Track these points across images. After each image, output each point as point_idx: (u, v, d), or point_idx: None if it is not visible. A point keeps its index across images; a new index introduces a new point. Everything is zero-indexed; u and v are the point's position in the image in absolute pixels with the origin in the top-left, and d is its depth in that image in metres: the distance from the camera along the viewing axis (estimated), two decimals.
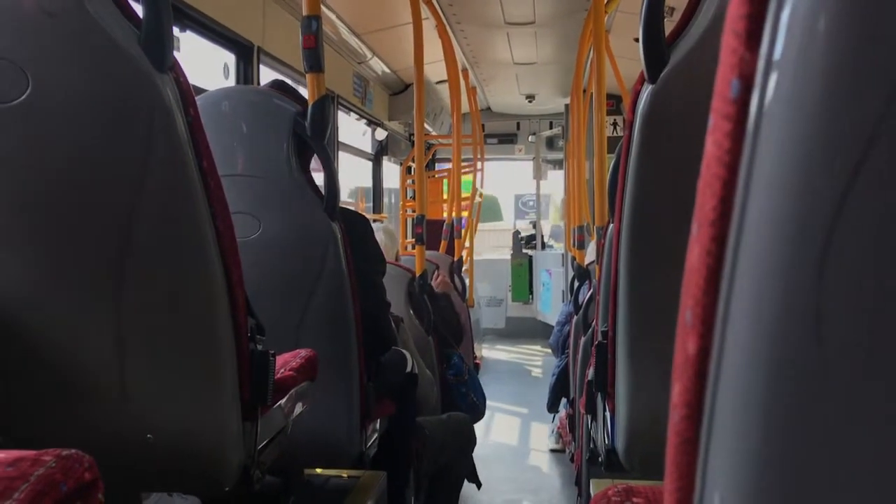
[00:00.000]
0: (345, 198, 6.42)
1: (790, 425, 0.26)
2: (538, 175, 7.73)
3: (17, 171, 1.04)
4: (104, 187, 1.04)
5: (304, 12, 1.69)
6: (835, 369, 0.25)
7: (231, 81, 3.25)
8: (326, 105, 1.64)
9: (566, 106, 6.52)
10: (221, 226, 1.08)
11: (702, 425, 0.29)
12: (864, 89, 0.23)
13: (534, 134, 7.79)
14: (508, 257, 8.00)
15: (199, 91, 1.53)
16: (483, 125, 7.16)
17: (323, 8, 1.92)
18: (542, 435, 4.22)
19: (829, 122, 0.24)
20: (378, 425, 1.95)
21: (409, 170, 6.75)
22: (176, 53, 1.04)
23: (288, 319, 1.63)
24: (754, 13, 0.26)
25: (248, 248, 1.34)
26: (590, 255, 3.30)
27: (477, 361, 5.02)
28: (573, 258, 3.68)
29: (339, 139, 4.95)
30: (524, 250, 7.83)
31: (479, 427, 3.23)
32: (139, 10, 1.00)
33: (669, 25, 1.07)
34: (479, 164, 6.30)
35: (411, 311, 2.84)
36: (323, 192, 1.65)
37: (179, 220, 1.06)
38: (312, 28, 1.68)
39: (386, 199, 6.76)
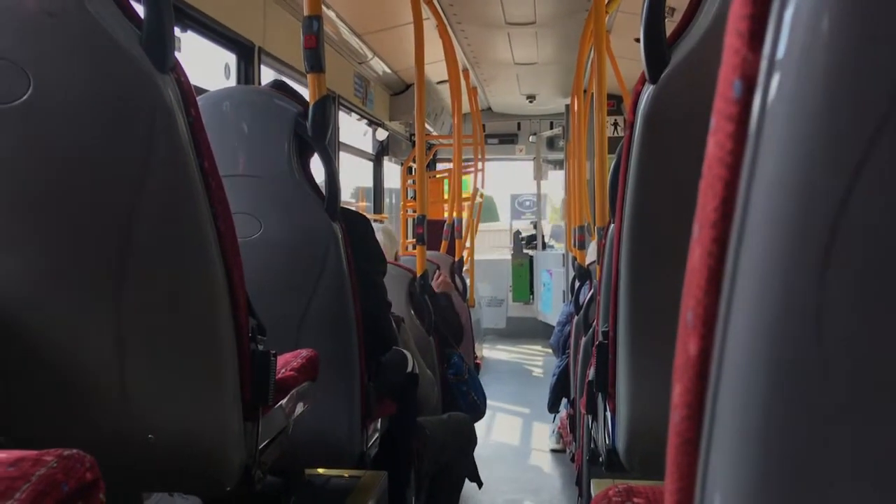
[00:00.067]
0: (346, 198, 6.43)
1: (790, 425, 0.26)
2: (539, 175, 7.73)
3: (18, 172, 1.04)
4: (105, 187, 1.04)
5: (305, 12, 1.69)
6: (835, 369, 0.25)
7: (232, 82, 3.25)
8: (327, 105, 1.64)
9: (567, 106, 6.52)
10: (223, 226, 1.08)
11: (702, 426, 0.29)
12: (867, 89, 0.23)
13: (534, 134, 7.79)
14: (508, 257, 8.00)
15: (201, 91, 1.53)
16: (484, 125, 7.16)
17: (324, 8, 1.92)
18: (543, 435, 4.22)
19: (832, 122, 0.24)
20: (379, 425, 1.95)
21: (409, 170, 6.75)
22: (177, 54, 1.04)
23: (289, 319, 1.63)
24: (757, 13, 0.26)
25: (249, 249, 1.34)
26: (590, 255, 3.30)
27: (478, 361, 5.02)
28: (574, 258, 3.67)
29: (340, 139, 4.95)
30: (525, 250, 7.83)
31: (480, 427, 3.23)
32: (140, 10, 1.01)
33: (670, 26, 1.07)
34: (479, 165, 6.30)
35: (412, 311, 2.84)
36: (324, 192, 1.65)
37: (180, 221, 1.06)
38: (313, 28, 1.68)
39: (387, 200, 6.76)
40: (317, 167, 1.70)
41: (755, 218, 0.26)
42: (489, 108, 7.75)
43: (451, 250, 4.89)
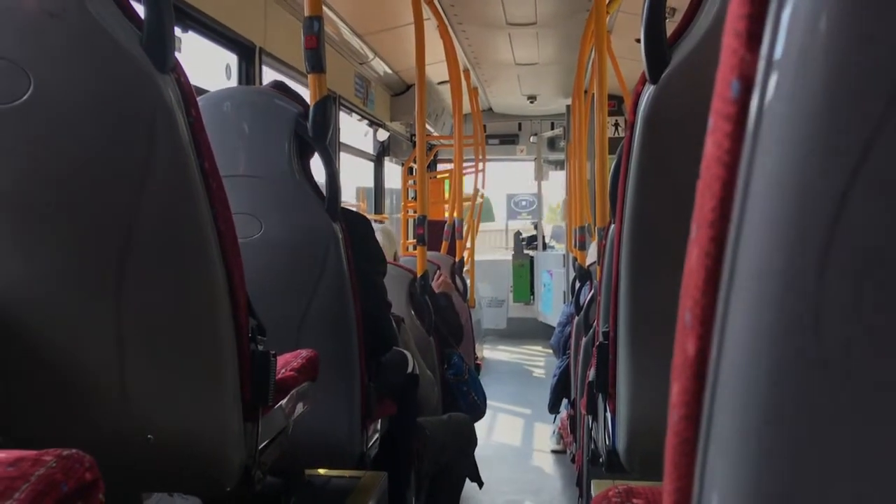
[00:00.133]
0: (346, 198, 6.42)
1: (789, 425, 0.26)
2: (539, 176, 7.73)
3: (18, 171, 1.04)
4: (106, 188, 1.04)
5: (306, 13, 1.69)
6: (834, 369, 0.25)
7: (233, 82, 3.25)
8: (328, 106, 1.64)
9: (567, 107, 6.53)
10: (223, 226, 1.08)
11: (701, 426, 0.29)
12: (865, 90, 0.23)
13: (535, 135, 7.79)
14: (508, 258, 8.00)
15: (201, 92, 1.54)
16: (484, 126, 7.16)
17: (324, 8, 1.92)
18: (544, 436, 4.22)
19: (830, 123, 0.24)
20: (379, 426, 1.95)
21: (410, 170, 6.75)
22: (177, 54, 1.05)
23: (289, 320, 1.63)
24: (755, 13, 0.26)
25: (249, 249, 1.34)
26: (591, 255, 3.30)
27: (478, 362, 5.02)
28: (574, 259, 3.67)
29: (341, 140, 4.96)
30: (525, 251, 7.83)
31: (480, 428, 3.23)
32: (141, 10, 1.01)
33: (671, 26, 1.07)
34: (480, 165, 6.30)
35: (412, 312, 2.84)
36: (324, 192, 1.65)
37: (181, 221, 1.06)
38: (314, 29, 1.69)
39: (387, 200, 6.76)
40: (317, 167, 1.70)
41: (753, 218, 0.26)
42: (490, 109, 7.75)
43: (451, 251, 4.89)
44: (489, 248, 11.20)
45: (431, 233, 3.51)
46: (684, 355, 0.30)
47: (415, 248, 3.12)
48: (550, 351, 4.81)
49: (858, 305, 0.24)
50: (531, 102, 7.17)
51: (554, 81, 6.39)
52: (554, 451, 3.95)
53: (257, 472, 1.20)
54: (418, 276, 2.91)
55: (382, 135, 6.19)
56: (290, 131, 1.62)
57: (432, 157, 7.58)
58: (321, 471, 1.92)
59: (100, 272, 1.07)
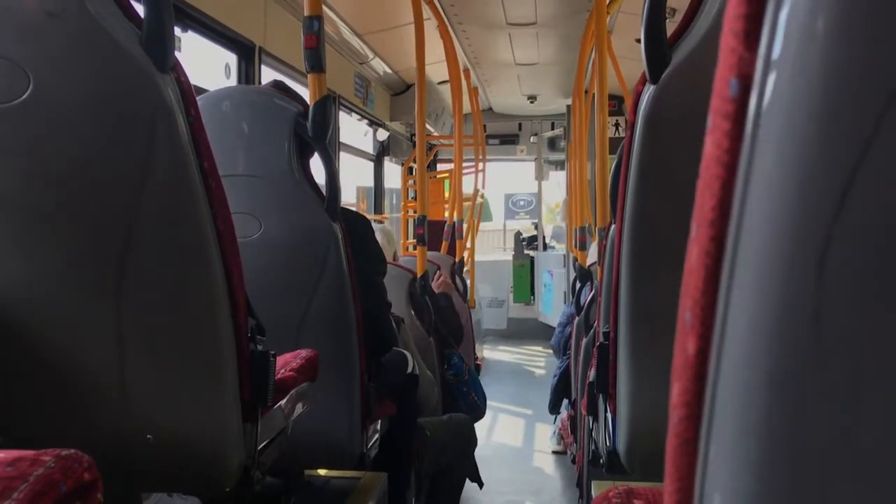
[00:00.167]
0: (347, 198, 6.43)
1: (790, 425, 0.26)
2: (540, 176, 7.73)
3: (18, 171, 1.04)
4: (105, 187, 1.04)
5: (306, 12, 1.69)
6: (834, 369, 0.24)
7: (233, 81, 3.25)
8: (328, 105, 1.64)
9: (568, 107, 6.53)
10: (222, 226, 1.08)
11: (701, 426, 0.29)
12: (863, 89, 0.23)
13: (535, 135, 7.79)
14: (508, 258, 8.00)
15: (201, 91, 1.53)
16: (485, 126, 7.16)
17: (324, 8, 1.92)
18: (545, 436, 4.22)
19: (828, 122, 0.24)
20: (379, 426, 1.95)
21: (410, 170, 6.75)
22: (177, 53, 1.04)
23: (289, 320, 1.63)
24: (752, 13, 0.26)
25: (249, 249, 1.34)
26: (591, 256, 3.29)
27: (478, 362, 5.02)
28: (575, 259, 3.67)
29: (341, 140, 4.96)
30: (526, 251, 7.83)
31: (481, 428, 3.23)
32: (141, 10, 1.01)
33: (671, 26, 1.07)
34: (480, 165, 6.31)
35: (412, 312, 2.84)
36: (324, 192, 1.65)
37: (180, 221, 1.06)
38: (314, 28, 1.68)
39: (387, 200, 6.76)
40: (317, 167, 1.70)
41: (752, 217, 0.26)
42: (490, 109, 7.75)
43: (451, 251, 4.89)
44: (487, 248, 11.18)
45: (431, 233, 3.51)
46: (684, 355, 0.30)
47: (415, 249, 3.12)
48: (551, 351, 4.81)
49: (858, 305, 0.24)
50: (531, 102, 7.17)
51: (554, 81, 6.39)
52: (554, 452, 3.95)
53: (257, 472, 1.20)
54: (418, 276, 2.91)
55: (382, 134, 6.19)
56: (290, 131, 1.62)
57: (432, 157, 7.58)
58: (321, 471, 1.92)
59: (100, 272, 1.07)
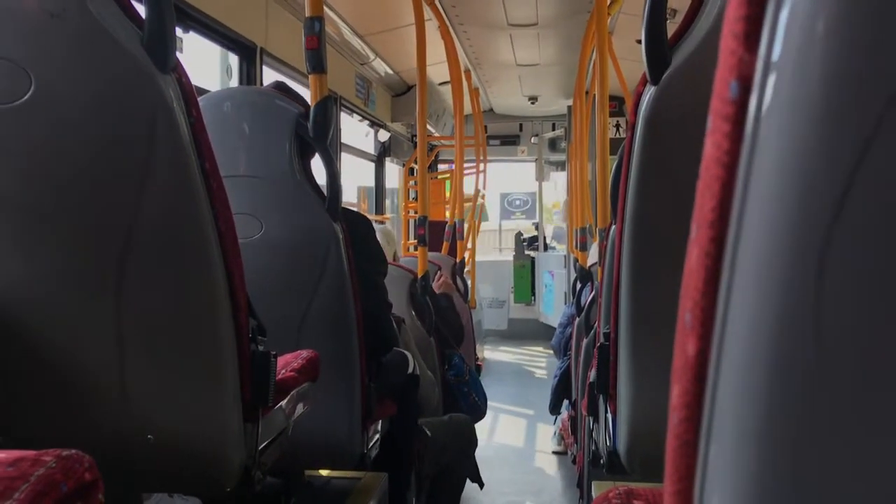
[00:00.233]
0: (348, 198, 6.43)
1: (789, 426, 0.26)
2: (540, 177, 7.73)
3: (19, 171, 1.04)
4: (106, 188, 1.04)
5: (307, 13, 1.69)
6: (834, 370, 0.24)
7: (234, 82, 3.26)
8: (329, 106, 1.64)
9: (569, 107, 6.52)
10: (223, 227, 1.08)
11: (701, 427, 0.29)
12: (863, 91, 0.23)
13: (536, 135, 7.79)
14: (508, 259, 8.00)
15: (202, 92, 1.54)
16: (486, 126, 7.16)
17: (326, 9, 1.92)
18: (545, 437, 4.22)
19: (828, 124, 0.24)
20: (379, 426, 1.95)
21: (411, 171, 6.75)
22: (178, 54, 1.05)
23: (289, 320, 1.63)
24: (753, 15, 0.26)
25: (249, 249, 1.34)
26: (592, 256, 3.29)
27: (479, 363, 5.02)
28: (575, 260, 3.67)
29: (342, 140, 4.96)
30: (526, 252, 7.83)
31: (482, 428, 3.23)
32: (142, 10, 1.01)
33: (672, 27, 1.07)
34: (481, 166, 6.31)
35: (413, 312, 2.84)
36: (325, 192, 1.65)
37: (181, 221, 1.06)
38: (315, 29, 1.69)
39: (388, 201, 6.77)
40: (318, 168, 1.70)
41: (752, 218, 0.26)
42: (491, 110, 7.75)
43: (452, 251, 4.89)
44: (483, 249, 11.15)
45: (432, 233, 3.51)
46: (684, 356, 0.30)
47: (415, 249, 3.12)
48: (551, 352, 4.81)
49: (858, 306, 0.24)
50: (532, 103, 7.17)
51: (555, 82, 6.39)
52: (555, 453, 3.95)
53: (257, 472, 1.20)
54: (419, 276, 2.91)
55: (383, 135, 6.20)
56: (291, 131, 1.62)
57: (433, 158, 7.58)
58: (321, 471, 1.92)
59: (100, 272, 1.07)
